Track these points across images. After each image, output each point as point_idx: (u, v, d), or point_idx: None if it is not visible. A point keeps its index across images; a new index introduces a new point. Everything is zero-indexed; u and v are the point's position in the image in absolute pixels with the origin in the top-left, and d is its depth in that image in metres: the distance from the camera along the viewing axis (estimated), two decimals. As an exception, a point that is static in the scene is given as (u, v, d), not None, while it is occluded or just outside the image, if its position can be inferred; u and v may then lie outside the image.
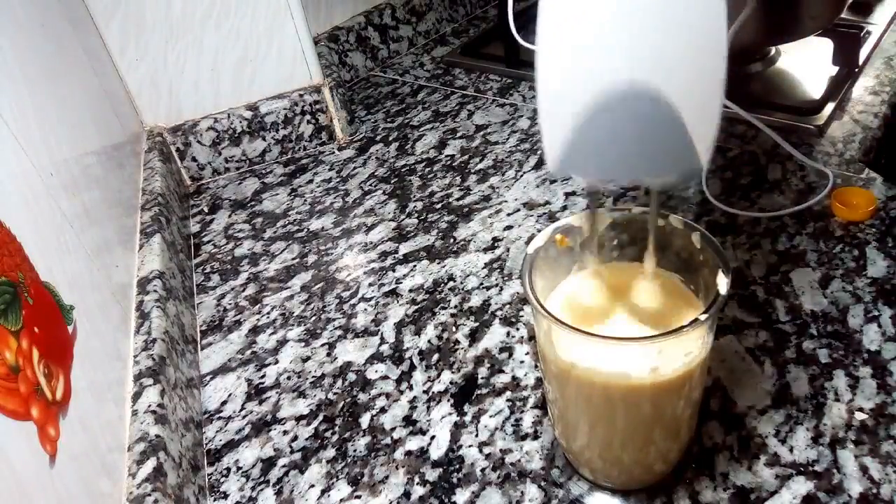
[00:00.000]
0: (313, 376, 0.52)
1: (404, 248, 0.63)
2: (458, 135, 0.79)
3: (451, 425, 0.46)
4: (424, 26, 1.05)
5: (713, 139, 0.28)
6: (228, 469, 0.47)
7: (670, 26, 0.26)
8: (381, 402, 0.49)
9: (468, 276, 0.59)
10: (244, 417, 0.50)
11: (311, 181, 0.76)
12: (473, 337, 0.53)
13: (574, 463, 0.42)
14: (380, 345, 0.54)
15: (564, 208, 0.65)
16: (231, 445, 0.48)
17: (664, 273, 0.38)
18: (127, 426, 0.42)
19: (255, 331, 0.57)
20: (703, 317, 0.31)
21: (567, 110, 0.29)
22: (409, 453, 0.45)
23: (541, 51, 0.29)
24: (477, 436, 0.45)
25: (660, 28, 0.27)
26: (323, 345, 0.55)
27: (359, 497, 0.43)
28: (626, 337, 0.32)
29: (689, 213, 0.60)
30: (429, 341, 0.53)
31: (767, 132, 0.67)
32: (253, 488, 0.45)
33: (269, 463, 0.46)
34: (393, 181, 0.73)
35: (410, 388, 0.50)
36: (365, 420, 0.48)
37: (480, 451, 0.44)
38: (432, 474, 0.44)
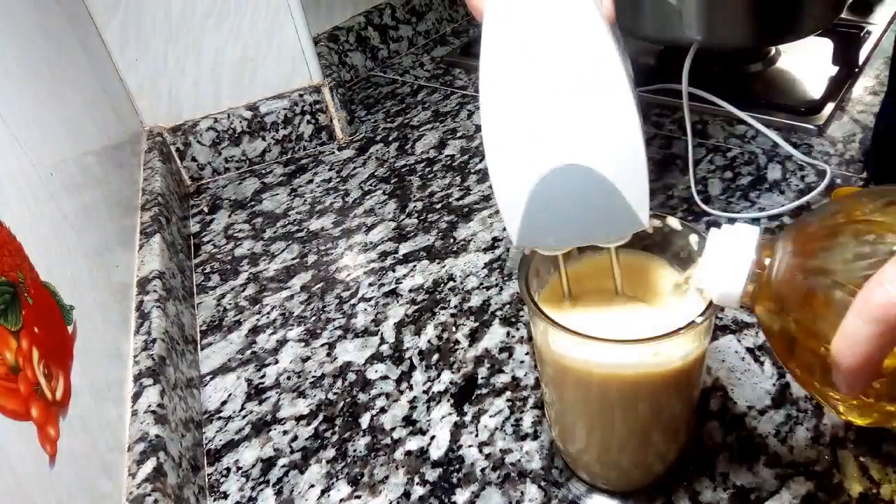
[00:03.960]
0: (313, 376, 0.52)
1: (404, 248, 0.63)
2: (458, 135, 0.79)
3: (451, 425, 0.46)
4: (424, 26, 1.05)
5: (647, 200, 0.32)
6: (228, 469, 0.47)
7: (588, 111, 0.31)
8: (381, 402, 0.49)
9: (468, 276, 0.59)
10: (244, 417, 0.50)
11: (311, 181, 0.76)
12: (473, 337, 0.53)
13: (572, 466, 0.42)
14: (380, 345, 0.54)
15: (564, 208, 0.64)
16: (231, 445, 0.48)
17: (643, 260, 0.39)
18: (127, 426, 0.43)
19: (255, 331, 0.57)
20: (699, 319, 0.31)
21: (516, 190, 0.33)
22: (409, 453, 0.45)
23: (485, 137, 0.33)
24: (477, 436, 0.45)
25: (579, 114, 0.31)
26: (323, 345, 0.55)
27: (359, 497, 0.43)
28: (622, 339, 0.32)
29: (689, 213, 0.60)
30: (429, 341, 0.53)
31: (767, 132, 0.67)
32: (253, 488, 0.45)
33: (269, 463, 0.46)
34: (393, 181, 0.73)
35: (410, 388, 0.50)
36: (365, 420, 0.48)
37: (480, 451, 0.44)
38: (432, 474, 0.44)
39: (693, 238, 0.36)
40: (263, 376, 0.53)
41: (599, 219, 0.33)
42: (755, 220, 0.58)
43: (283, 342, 0.56)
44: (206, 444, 0.49)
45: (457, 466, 0.44)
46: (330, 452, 0.46)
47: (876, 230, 0.26)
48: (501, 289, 0.57)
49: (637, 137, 0.31)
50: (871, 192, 0.29)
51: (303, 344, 0.55)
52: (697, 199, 0.61)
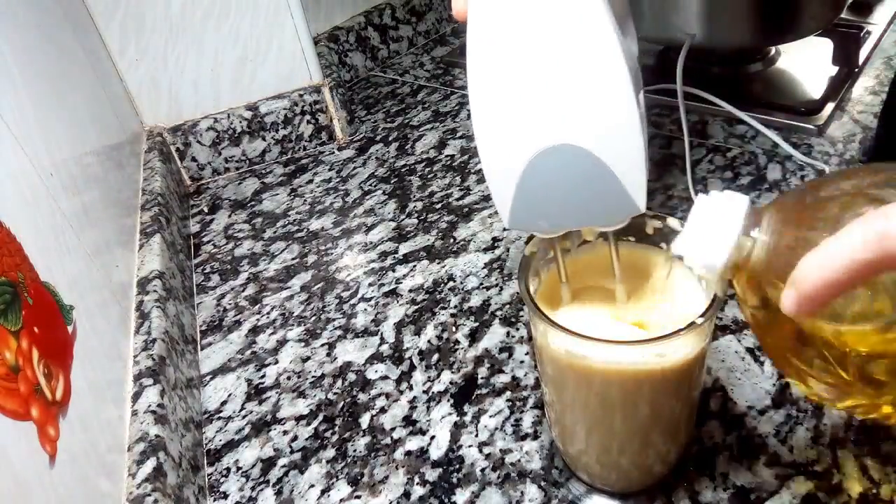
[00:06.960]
0: (313, 376, 0.52)
1: (404, 248, 0.63)
2: (458, 135, 0.79)
3: (450, 425, 0.46)
4: (424, 26, 1.05)
5: (644, 183, 0.31)
6: (228, 469, 0.47)
7: (582, 88, 0.29)
8: (380, 402, 0.49)
9: (468, 276, 0.59)
10: (244, 417, 0.50)
11: (310, 181, 0.76)
12: (473, 337, 0.53)
13: (572, 466, 0.42)
14: (380, 345, 0.54)
15: (564, 208, 0.64)
16: (231, 445, 0.48)
17: (645, 254, 0.39)
18: (127, 426, 0.43)
19: (255, 331, 0.57)
20: (699, 320, 0.31)
21: (506, 170, 0.32)
22: (409, 453, 0.45)
23: (474, 115, 0.32)
24: (477, 436, 0.45)
25: (573, 91, 0.29)
26: (323, 345, 0.55)
27: (359, 497, 0.43)
28: (622, 340, 0.32)
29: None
30: (429, 341, 0.53)
31: (767, 132, 0.67)
32: (253, 488, 0.45)
33: (269, 463, 0.46)
34: (393, 181, 0.73)
35: (410, 388, 0.50)
36: (365, 420, 0.48)
37: (480, 451, 0.44)
38: (432, 474, 0.44)
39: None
40: (263, 376, 0.53)
41: (594, 203, 0.32)
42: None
43: (283, 342, 0.56)
44: (206, 444, 0.49)
45: (457, 466, 0.44)
46: (330, 452, 0.46)
47: (871, 204, 0.25)
48: (501, 289, 0.57)
49: (633, 116, 0.30)
50: (867, 167, 0.28)
51: (303, 344, 0.55)
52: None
